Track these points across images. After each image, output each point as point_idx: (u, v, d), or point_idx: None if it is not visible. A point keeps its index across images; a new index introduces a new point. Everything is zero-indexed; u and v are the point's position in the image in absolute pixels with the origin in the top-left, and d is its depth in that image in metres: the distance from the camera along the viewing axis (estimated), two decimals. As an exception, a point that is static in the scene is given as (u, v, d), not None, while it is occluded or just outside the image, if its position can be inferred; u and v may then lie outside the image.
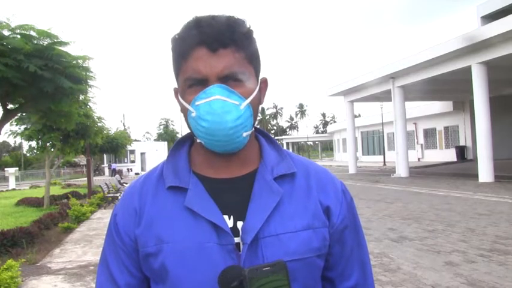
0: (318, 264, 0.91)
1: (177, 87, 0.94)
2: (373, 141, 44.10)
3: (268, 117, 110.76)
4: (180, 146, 0.99)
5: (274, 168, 0.93)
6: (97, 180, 28.29)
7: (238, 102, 0.85)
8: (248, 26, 0.90)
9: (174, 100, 0.97)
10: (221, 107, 0.83)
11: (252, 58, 0.90)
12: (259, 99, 0.93)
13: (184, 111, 0.90)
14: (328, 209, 0.94)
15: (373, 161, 40.98)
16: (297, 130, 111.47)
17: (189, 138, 1.00)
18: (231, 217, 0.89)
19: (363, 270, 1.01)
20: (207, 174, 0.93)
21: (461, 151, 30.86)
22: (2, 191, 25.69)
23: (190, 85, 0.87)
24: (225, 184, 0.92)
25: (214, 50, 0.85)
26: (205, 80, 0.86)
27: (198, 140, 0.90)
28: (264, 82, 0.96)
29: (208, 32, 0.85)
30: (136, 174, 43.68)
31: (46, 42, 6.62)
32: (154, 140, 79.32)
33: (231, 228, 0.87)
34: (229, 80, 0.86)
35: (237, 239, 0.87)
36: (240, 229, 0.88)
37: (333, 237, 0.94)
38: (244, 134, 0.87)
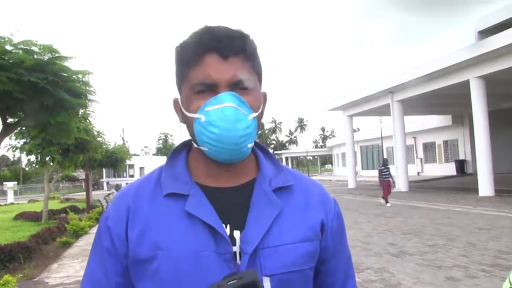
0: (309, 276, 0.93)
1: (177, 97, 0.94)
2: (373, 156, 44.09)
3: (267, 131, 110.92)
4: (177, 154, 0.98)
5: (272, 180, 0.94)
6: (96, 194, 28.19)
7: (247, 113, 0.86)
8: (251, 39, 0.92)
9: (173, 114, 0.96)
10: (233, 114, 0.83)
11: (258, 69, 0.92)
12: (262, 112, 0.94)
13: (188, 119, 0.90)
14: (322, 222, 0.95)
15: (373, 175, 40.80)
16: (296, 145, 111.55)
17: (186, 146, 0.99)
18: (228, 226, 0.88)
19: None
20: (204, 183, 0.92)
21: (460, 165, 30.87)
22: (0, 205, 25.57)
23: (198, 91, 0.87)
24: (222, 193, 0.92)
25: (226, 57, 0.86)
26: (215, 86, 0.86)
27: (202, 148, 0.88)
28: (265, 97, 0.97)
29: (221, 37, 0.86)
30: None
31: (47, 57, 6.66)
32: (153, 154, 79.31)
33: (228, 237, 0.86)
34: (238, 87, 0.87)
35: (234, 248, 0.86)
36: (237, 238, 0.87)
37: (324, 250, 0.96)
38: (249, 145, 0.88)
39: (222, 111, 0.83)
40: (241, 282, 0.76)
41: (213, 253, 0.84)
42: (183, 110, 0.91)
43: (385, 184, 15.08)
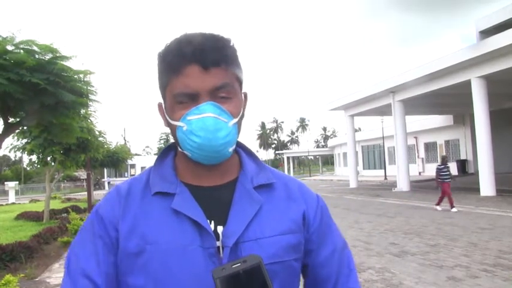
0: (294, 267, 0.96)
1: (161, 102, 0.98)
2: (374, 156, 44.06)
3: (268, 131, 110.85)
4: (165, 155, 1.03)
5: (254, 178, 0.99)
6: (97, 194, 28.21)
7: (227, 120, 0.89)
8: (232, 44, 0.94)
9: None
10: (214, 124, 0.87)
11: (239, 75, 0.95)
12: (243, 114, 0.97)
13: (171, 125, 0.93)
14: (304, 215, 0.99)
15: (374, 175, 40.89)
16: (298, 144, 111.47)
17: (173, 148, 1.04)
18: (212, 222, 0.92)
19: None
20: (190, 182, 0.97)
21: (462, 165, 30.83)
22: (2, 205, 25.57)
23: (180, 101, 0.90)
24: (206, 191, 0.96)
25: (207, 68, 0.88)
26: (196, 96, 0.89)
27: (185, 152, 0.93)
28: (245, 97, 1.00)
29: (201, 49, 0.88)
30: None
31: (48, 57, 6.66)
32: (155, 154, 79.33)
33: (212, 232, 0.90)
34: (218, 96, 0.90)
35: (217, 243, 0.89)
36: (220, 233, 0.91)
37: (309, 241, 0.99)
38: (230, 150, 0.92)
39: (203, 121, 0.87)
40: (245, 266, 0.78)
41: (198, 247, 0.88)
42: (167, 117, 0.95)
43: (446, 186, 12.67)
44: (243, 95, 0.98)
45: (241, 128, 0.96)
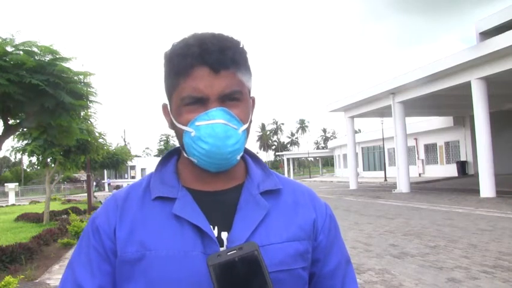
0: (302, 276, 0.92)
1: (166, 103, 0.95)
2: (374, 157, 44.05)
3: (268, 133, 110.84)
4: (167, 160, 1.00)
5: (260, 184, 0.96)
6: (97, 195, 28.20)
7: (237, 127, 0.87)
8: (242, 46, 0.91)
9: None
10: (224, 131, 0.84)
11: (249, 79, 0.92)
12: (251, 120, 0.94)
13: (177, 128, 0.90)
14: (313, 223, 0.96)
15: (374, 176, 40.89)
16: (298, 146, 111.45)
17: (176, 152, 1.01)
18: (216, 227, 0.89)
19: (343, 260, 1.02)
20: (193, 187, 0.94)
21: (462, 166, 30.83)
22: (2, 206, 25.52)
23: (187, 104, 0.87)
24: (210, 196, 0.93)
25: (217, 71, 0.85)
26: (205, 99, 0.86)
27: (191, 158, 0.90)
28: (253, 101, 0.97)
29: (211, 51, 0.85)
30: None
31: (48, 58, 6.66)
32: (155, 155, 79.32)
33: (216, 238, 0.87)
34: (228, 100, 0.87)
35: (221, 249, 0.86)
36: (224, 239, 0.88)
37: (317, 250, 0.96)
38: (238, 157, 0.89)
39: (213, 127, 0.84)
40: (241, 253, 0.77)
41: (200, 253, 0.85)
42: (173, 119, 0.91)
43: None
44: (251, 100, 0.95)
45: (250, 133, 0.93)
